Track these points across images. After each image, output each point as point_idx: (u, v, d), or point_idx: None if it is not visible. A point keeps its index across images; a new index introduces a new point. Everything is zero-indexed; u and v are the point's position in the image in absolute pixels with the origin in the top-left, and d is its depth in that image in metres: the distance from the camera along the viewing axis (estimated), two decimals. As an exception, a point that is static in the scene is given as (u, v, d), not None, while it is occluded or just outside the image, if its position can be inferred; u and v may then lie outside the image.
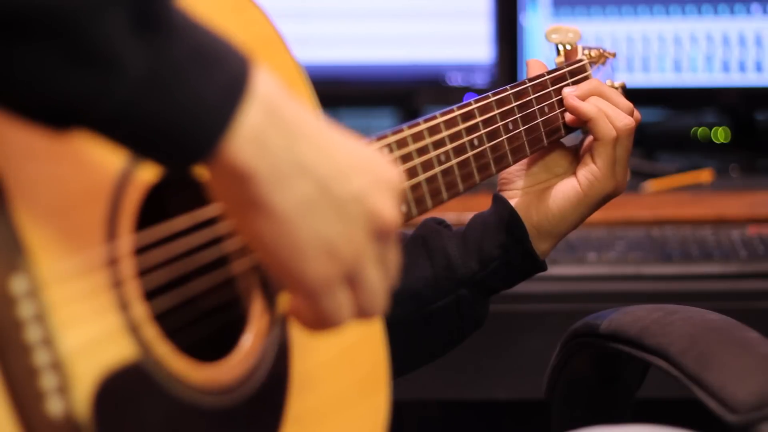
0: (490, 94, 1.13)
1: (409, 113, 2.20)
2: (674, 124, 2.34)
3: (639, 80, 2.16)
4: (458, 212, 1.91)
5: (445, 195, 1.06)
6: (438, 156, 1.06)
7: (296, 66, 1.01)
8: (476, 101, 1.11)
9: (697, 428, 1.07)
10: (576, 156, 1.21)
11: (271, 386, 0.91)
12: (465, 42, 2.20)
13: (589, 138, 1.20)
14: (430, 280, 1.19)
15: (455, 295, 1.19)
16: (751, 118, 2.28)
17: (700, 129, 2.30)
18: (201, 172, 0.79)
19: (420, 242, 1.21)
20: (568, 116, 1.19)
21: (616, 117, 1.18)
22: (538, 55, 2.16)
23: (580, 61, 1.24)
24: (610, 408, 1.32)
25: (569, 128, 1.20)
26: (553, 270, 1.78)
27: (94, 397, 0.76)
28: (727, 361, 1.10)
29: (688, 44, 2.16)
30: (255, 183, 0.76)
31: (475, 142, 1.10)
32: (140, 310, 0.81)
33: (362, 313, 0.84)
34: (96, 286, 0.78)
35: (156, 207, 0.87)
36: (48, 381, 0.74)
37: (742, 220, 1.91)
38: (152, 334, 0.81)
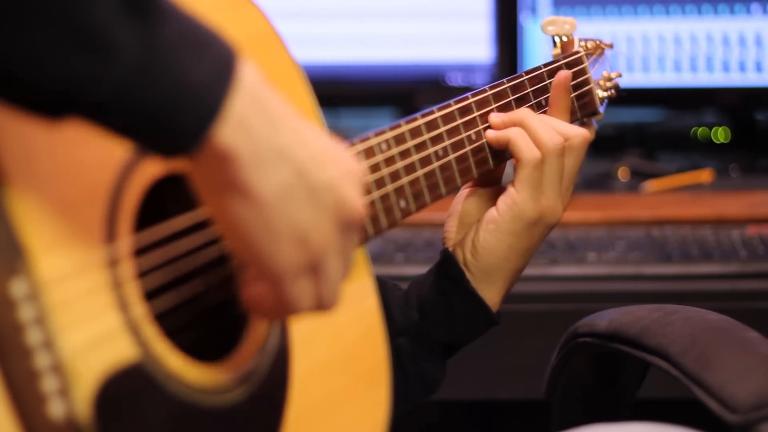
0: (487, 88, 1.13)
1: (409, 113, 2.19)
2: (674, 124, 2.33)
3: (639, 80, 2.16)
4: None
5: (443, 189, 1.06)
6: (436, 152, 1.06)
7: (293, 64, 1.01)
8: (473, 95, 1.12)
9: (697, 428, 1.07)
10: None
11: (272, 384, 0.91)
12: (465, 42, 2.20)
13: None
14: None
15: (393, 345, 1.12)
16: (751, 118, 2.28)
17: (700, 129, 2.30)
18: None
19: None
20: (490, 134, 1.12)
21: (543, 136, 1.10)
22: (538, 55, 2.16)
23: (577, 53, 1.24)
24: (610, 408, 1.32)
25: (498, 157, 1.13)
26: (553, 270, 1.78)
27: (95, 398, 0.76)
28: (727, 361, 1.10)
29: (688, 44, 2.16)
30: (237, 165, 0.77)
31: (473, 136, 1.10)
32: (140, 310, 0.81)
33: (321, 303, 0.84)
34: (96, 287, 0.78)
35: (155, 207, 0.88)
36: (49, 384, 0.74)
37: (742, 220, 1.91)
38: (152, 334, 0.82)
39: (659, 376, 1.18)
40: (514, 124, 1.12)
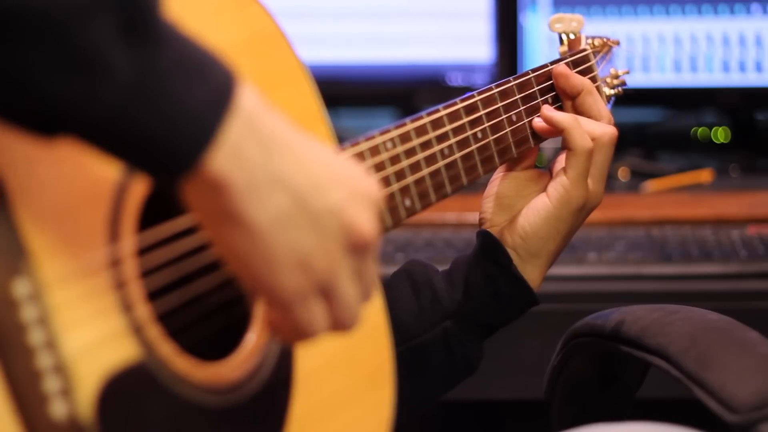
0: (493, 86, 1.13)
1: (409, 113, 2.19)
2: (674, 124, 2.34)
3: (639, 80, 2.17)
4: (458, 212, 1.92)
5: (448, 188, 1.07)
6: (441, 150, 1.06)
7: (299, 63, 1.01)
8: (479, 93, 1.12)
9: (697, 428, 1.07)
10: (548, 177, 1.18)
11: (275, 384, 0.91)
12: (465, 42, 2.20)
13: (562, 153, 1.17)
14: (416, 312, 1.17)
15: (441, 328, 1.16)
16: (751, 118, 2.28)
17: (700, 129, 2.30)
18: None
19: (405, 276, 1.19)
20: (537, 123, 1.16)
21: (595, 127, 1.16)
22: (538, 55, 2.17)
23: (584, 50, 1.24)
24: (610, 408, 1.32)
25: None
26: (553, 270, 1.77)
27: (98, 399, 0.76)
28: (727, 361, 1.11)
29: (688, 44, 2.17)
30: (231, 194, 0.76)
31: (479, 134, 1.11)
32: (143, 310, 0.81)
33: (338, 325, 0.84)
34: (99, 287, 0.78)
35: (158, 208, 0.88)
36: (51, 384, 0.74)
37: (742, 220, 1.91)
38: (156, 334, 0.82)
39: (659, 376, 1.18)
40: (567, 116, 1.16)
